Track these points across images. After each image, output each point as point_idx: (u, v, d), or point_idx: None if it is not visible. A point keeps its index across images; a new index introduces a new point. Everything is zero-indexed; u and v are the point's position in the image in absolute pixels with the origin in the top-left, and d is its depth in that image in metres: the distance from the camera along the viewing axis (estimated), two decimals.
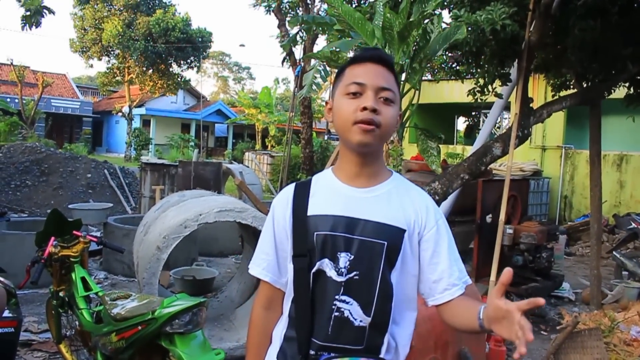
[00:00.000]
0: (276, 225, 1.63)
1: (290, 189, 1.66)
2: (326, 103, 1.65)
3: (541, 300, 1.24)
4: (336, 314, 1.50)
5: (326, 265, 1.51)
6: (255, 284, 5.27)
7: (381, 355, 1.53)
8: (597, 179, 6.34)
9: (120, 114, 32.91)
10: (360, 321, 1.50)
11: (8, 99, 28.80)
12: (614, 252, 7.46)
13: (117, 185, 12.02)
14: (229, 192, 11.86)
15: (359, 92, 1.51)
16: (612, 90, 6.30)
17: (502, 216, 4.55)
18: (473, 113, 19.83)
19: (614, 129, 13.20)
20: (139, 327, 2.76)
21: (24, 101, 27.74)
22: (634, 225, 7.39)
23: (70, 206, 8.94)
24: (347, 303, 1.50)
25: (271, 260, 1.63)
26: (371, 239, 1.50)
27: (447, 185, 4.69)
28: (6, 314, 3.20)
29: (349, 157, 1.58)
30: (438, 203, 4.62)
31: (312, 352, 1.51)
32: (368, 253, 1.50)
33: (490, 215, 5.65)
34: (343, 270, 1.50)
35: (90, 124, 37.66)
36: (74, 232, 3.60)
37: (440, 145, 14.96)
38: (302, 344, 1.52)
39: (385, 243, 1.51)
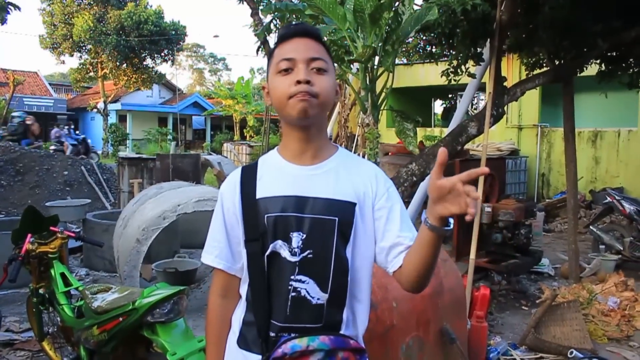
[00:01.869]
0: (225, 212, 1.61)
1: (236, 174, 1.64)
2: (263, 87, 1.64)
3: (485, 169, 1.33)
4: (293, 294, 1.50)
5: (280, 246, 1.51)
6: None
7: (341, 332, 1.53)
8: (572, 155, 6.43)
9: (95, 110, 32.46)
10: (318, 299, 1.50)
11: None
12: (590, 227, 7.59)
13: (95, 182, 11.88)
14: (208, 183, 11.80)
15: (290, 67, 1.51)
16: (584, 68, 6.37)
17: (479, 194, 4.60)
18: (450, 95, 19.93)
19: (588, 106, 13.39)
20: (120, 319, 2.75)
21: None
22: (609, 199, 7.49)
23: (47, 204, 8.81)
24: (304, 282, 1.50)
25: (223, 247, 1.61)
26: (322, 215, 1.50)
27: (425, 166, 4.73)
28: None
29: (293, 134, 1.57)
30: (416, 184, 4.66)
31: (272, 334, 1.51)
32: (320, 230, 1.50)
33: None
34: (296, 250, 1.50)
35: (65, 122, 37.12)
36: (51, 227, 3.56)
37: (418, 128, 15.08)
38: (262, 327, 1.52)
39: (337, 219, 1.50)
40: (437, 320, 3.21)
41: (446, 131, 6.33)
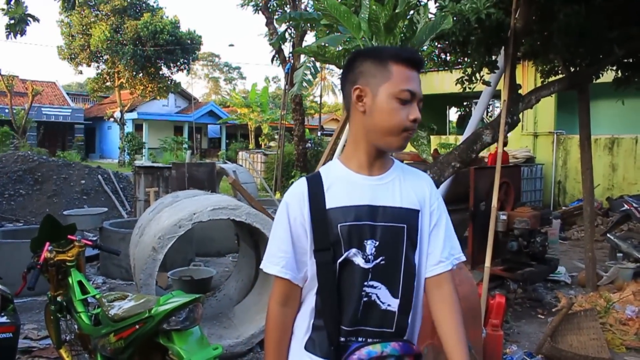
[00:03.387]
0: (292, 222, 1.62)
1: (302, 184, 1.65)
2: (356, 88, 1.59)
3: None
4: (365, 299, 1.56)
5: (354, 254, 1.56)
6: (253, 281, 5.30)
7: (405, 337, 1.61)
8: (588, 162, 6.38)
9: (112, 119, 32.83)
10: (389, 305, 1.58)
11: None
12: (607, 234, 7.52)
13: (112, 190, 12.01)
14: (223, 191, 11.87)
15: (409, 100, 1.56)
16: (600, 74, 6.33)
17: (495, 202, 4.58)
18: (465, 103, 19.84)
19: (604, 112, 13.27)
20: (137, 326, 2.78)
21: (14, 110, 27.64)
22: (626, 207, 7.44)
23: (64, 212, 8.93)
24: (376, 288, 1.57)
25: (289, 258, 1.62)
26: (392, 223, 1.58)
27: (439, 174, 4.73)
28: (4, 319, 3.21)
29: (367, 149, 1.62)
30: None
31: (342, 339, 1.57)
32: (391, 237, 1.58)
33: (484, 203, 5.69)
34: (370, 257, 1.56)
35: (82, 131, 37.56)
36: (69, 236, 3.61)
37: (433, 136, 15.05)
38: (332, 333, 1.57)
39: (405, 226, 1.59)
40: None
41: (461, 139, 6.32)
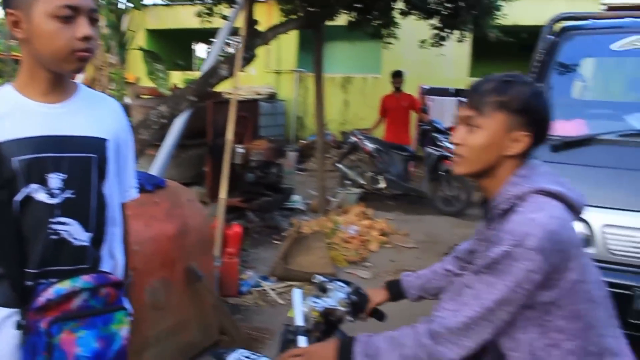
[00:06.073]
0: None
1: None
2: (9, 14, 1.39)
3: None
4: (53, 237, 1.43)
5: (35, 190, 1.40)
6: None
7: (101, 268, 1.54)
8: (320, 98, 6.87)
9: None
10: (82, 240, 1.47)
11: None
12: (337, 164, 8.28)
13: None
14: None
15: (71, 16, 1.37)
16: (335, 17, 6.75)
17: (231, 135, 4.68)
18: (212, 40, 19.73)
19: (339, 53, 14.36)
20: None
21: None
22: (353, 139, 8.23)
23: None
24: (66, 224, 1.45)
25: None
26: (81, 154, 1.47)
27: (175, 107, 4.63)
28: None
29: (42, 74, 1.44)
30: (165, 127, 4.55)
31: (29, 284, 1.42)
32: (81, 169, 1.47)
33: (222, 137, 5.78)
34: (56, 191, 1.43)
35: None
36: None
37: (180, 72, 14.63)
38: (15, 278, 1.41)
39: (95, 156, 1.49)
40: (182, 260, 3.23)
41: None
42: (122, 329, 1.53)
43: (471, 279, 1.32)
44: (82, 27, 1.39)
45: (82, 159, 1.47)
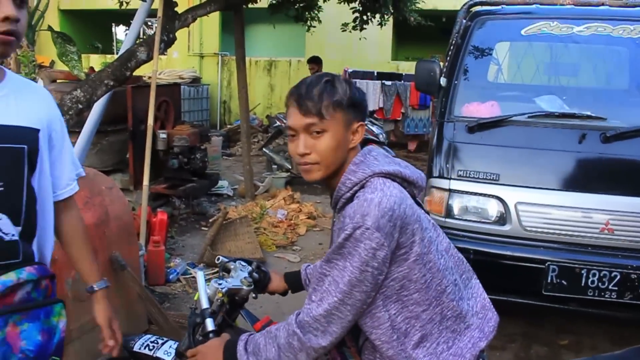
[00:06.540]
0: None
1: None
2: None
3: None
4: None
5: None
6: None
7: (35, 261, 1.49)
8: (243, 82, 6.80)
9: None
10: (12, 235, 1.39)
11: None
12: (263, 149, 8.26)
13: None
14: None
15: None
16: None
17: (151, 121, 4.57)
18: (131, 22, 19.07)
19: (263, 37, 14.22)
20: None
21: None
22: (278, 123, 8.22)
23: None
24: None
25: None
26: (10, 144, 1.38)
27: (91, 92, 4.44)
28: None
29: None
30: (82, 112, 4.38)
31: None
32: (11, 160, 1.38)
33: (143, 123, 5.63)
34: None
35: None
36: None
37: (99, 55, 14.08)
38: None
39: (25, 147, 1.41)
40: (105, 249, 3.15)
41: None
42: (61, 322, 1.52)
43: (326, 267, 1.39)
44: (4, 7, 1.30)
45: (11, 150, 1.39)
